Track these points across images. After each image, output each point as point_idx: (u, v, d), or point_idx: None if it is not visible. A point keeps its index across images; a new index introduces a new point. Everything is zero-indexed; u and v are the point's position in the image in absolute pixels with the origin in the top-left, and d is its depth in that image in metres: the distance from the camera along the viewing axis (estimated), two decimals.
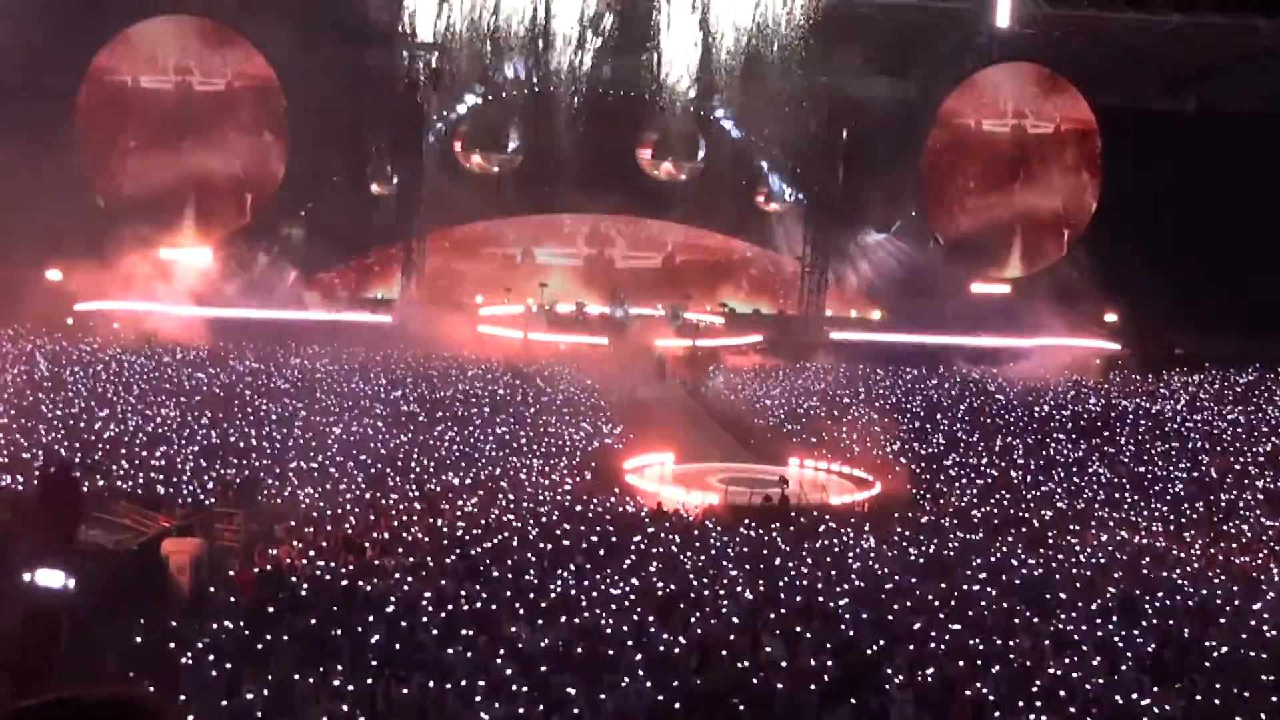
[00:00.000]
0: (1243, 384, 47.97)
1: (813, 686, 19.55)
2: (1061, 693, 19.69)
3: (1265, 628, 23.12)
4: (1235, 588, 25.71)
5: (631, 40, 55.43)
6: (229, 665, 18.99)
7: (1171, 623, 23.30)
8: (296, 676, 18.76)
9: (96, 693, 2.30)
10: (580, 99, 56.84)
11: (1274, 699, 19.69)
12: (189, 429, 35.02)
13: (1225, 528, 30.66)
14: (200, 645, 19.67)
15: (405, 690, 18.51)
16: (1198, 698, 19.61)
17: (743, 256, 60.02)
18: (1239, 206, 52.18)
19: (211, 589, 22.82)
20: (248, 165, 55.12)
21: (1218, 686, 20.04)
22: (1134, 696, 19.60)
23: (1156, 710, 19.13)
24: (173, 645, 19.57)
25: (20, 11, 43.61)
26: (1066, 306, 52.55)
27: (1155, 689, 19.86)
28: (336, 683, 18.56)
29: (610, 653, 20.45)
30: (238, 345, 47.19)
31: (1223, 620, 23.64)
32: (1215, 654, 21.80)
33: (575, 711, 18.30)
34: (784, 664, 20.33)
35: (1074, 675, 20.41)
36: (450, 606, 22.19)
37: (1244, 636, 22.65)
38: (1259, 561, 28.07)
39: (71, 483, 25.76)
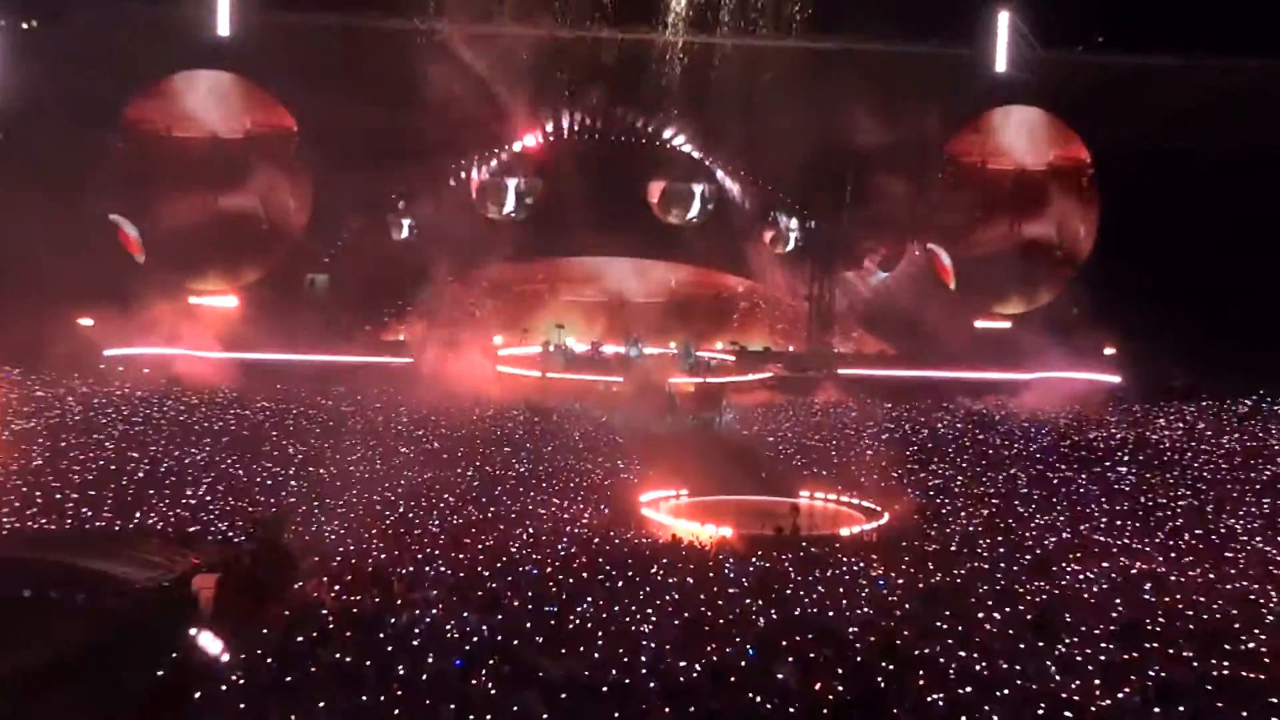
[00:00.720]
0: (1238, 414, 47.93)
1: (824, 711, 19.56)
2: (1067, 714, 19.68)
3: (1264, 650, 23.12)
4: (1234, 611, 25.70)
5: (636, 88, 55.88)
6: (257, 698, 19.00)
7: (1173, 647, 23.27)
8: (323, 705, 18.79)
9: None
10: (590, 147, 57.30)
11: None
12: (217, 469, 35.14)
13: (1224, 553, 30.58)
14: (230, 678, 19.70)
15: None
16: None
17: (751, 295, 59.99)
18: (1236, 242, 52.13)
19: (241, 626, 22.84)
20: (272, 214, 55.47)
21: (1220, 708, 20.02)
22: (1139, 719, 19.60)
23: None
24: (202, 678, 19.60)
25: (54, 65, 43.81)
26: (1066, 341, 52.61)
27: (1158, 710, 19.82)
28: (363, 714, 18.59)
29: (629, 681, 20.46)
30: (263, 387, 47.28)
31: (1225, 644, 23.62)
32: (1217, 676, 21.79)
33: None
34: (796, 689, 20.33)
35: (1079, 698, 20.39)
36: (474, 638, 22.20)
37: (1245, 659, 22.65)
38: (1257, 585, 28.03)
39: (282, 545, 26.43)
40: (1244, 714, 19.62)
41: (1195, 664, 22.46)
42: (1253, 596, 27.05)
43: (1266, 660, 22.55)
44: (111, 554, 25.00)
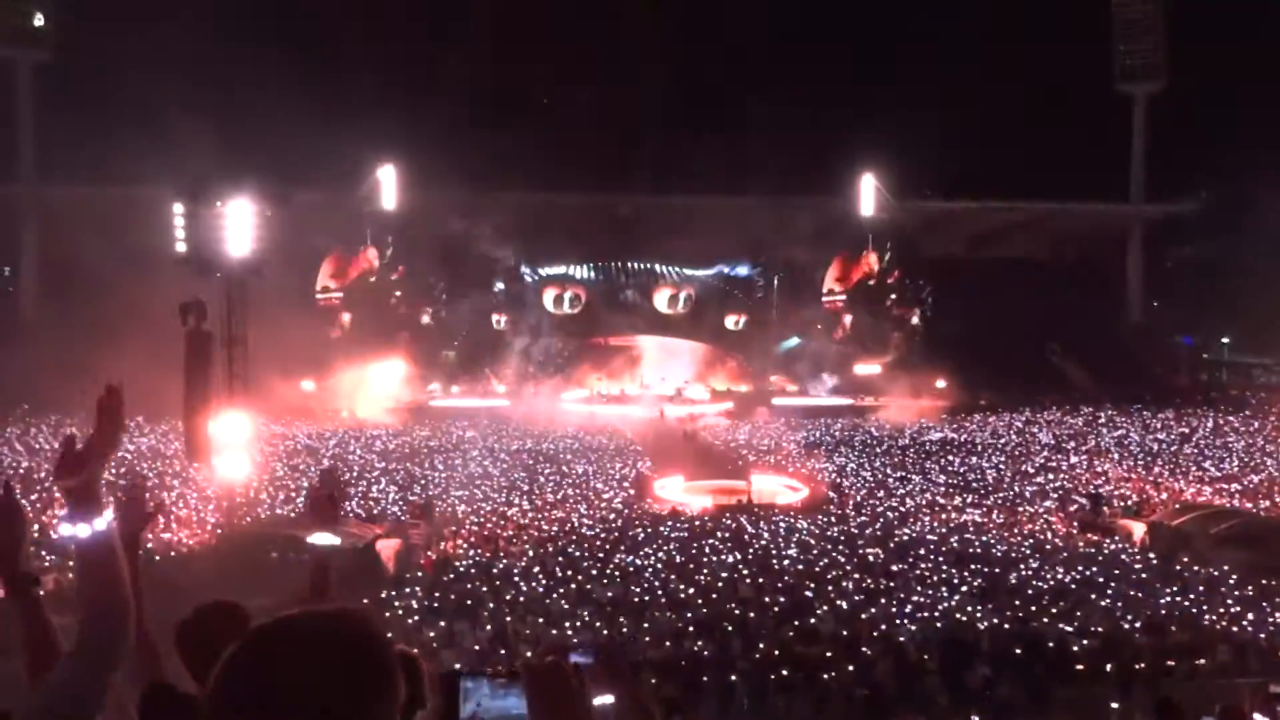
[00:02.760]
0: (1020, 421, 47.69)
1: (771, 613, 19.37)
2: (924, 612, 19.50)
3: (1043, 565, 22.98)
4: (1024, 544, 25.51)
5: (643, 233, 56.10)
6: (415, 617, 18.87)
7: (986, 567, 23.08)
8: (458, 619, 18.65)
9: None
10: (617, 272, 57.62)
11: (1052, 610, 19.51)
12: (390, 473, 35.03)
13: (1016, 508, 30.35)
14: (399, 605, 19.58)
15: (527, 630, 18.36)
16: (1006, 611, 19.42)
17: (720, 355, 59.73)
18: (1018, 315, 52.12)
19: (406, 571, 22.75)
20: (420, 317, 55.90)
21: (1016, 604, 19.87)
22: (968, 609, 19.42)
23: (982, 620, 18.92)
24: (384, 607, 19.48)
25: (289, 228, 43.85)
26: (914, 378, 52.46)
27: (979, 608, 19.65)
28: (484, 624, 18.45)
29: (649, 598, 20.31)
30: (418, 421, 47.23)
31: (1017, 562, 23.45)
32: (1010, 581, 21.65)
33: (628, 633, 18.15)
34: (752, 599, 20.16)
35: (926, 599, 20.22)
36: (552, 574, 22.06)
37: (1030, 571, 22.51)
38: (1037, 527, 27.85)
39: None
40: (1031, 606, 19.50)
41: (1002, 574, 22.32)
42: (1032, 534, 26.91)
43: (1035, 571, 22.46)
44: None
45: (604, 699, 2.49)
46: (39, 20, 54.54)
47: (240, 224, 30.97)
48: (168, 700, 3.04)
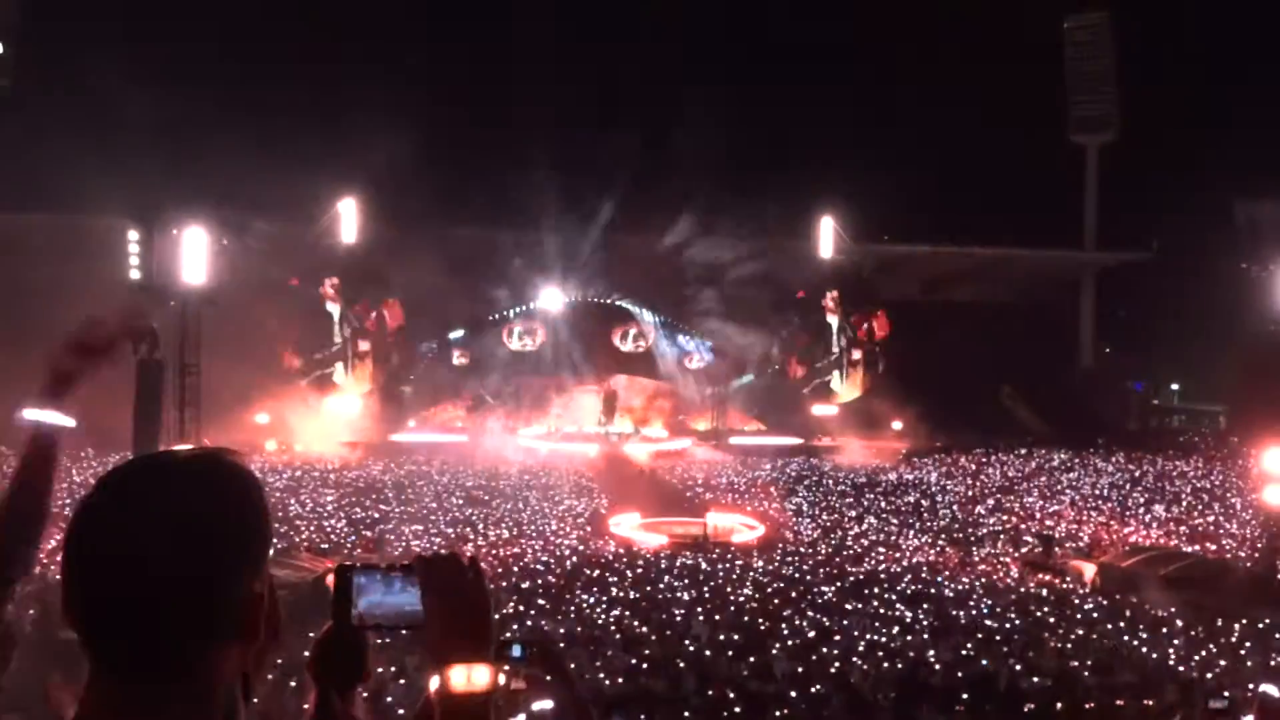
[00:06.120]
0: (973, 463, 48.05)
1: (730, 651, 19.33)
2: (877, 651, 19.51)
3: (996, 605, 23.11)
4: (977, 584, 25.67)
5: (606, 271, 55.85)
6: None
7: (939, 606, 23.18)
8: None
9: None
10: (578, 308, 57.41)
11: (1004, 649, 19.61)
12: (343, 508, 34.64)
13: (970, 547, 30.59)
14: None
15: None
16: (958, 650, 19.49)
17: (676, 394, 59.69)
18: (971, 358, 52.67)
19: None
20: (378, 349, 55.05)
21: (969, 643, 19.95)
22: (920, 649, 19.47)
23: (934, 658, 18.96)
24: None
25: (246, 260, 43.31)
26: (870, 419, 52.77)
27: (930, 642, 19.73)
28: None
29: (599, 635, 20.18)
30: (373, 456, 46.80)
31: (970, 602, 23.56)
32: (963, 620, 21.73)
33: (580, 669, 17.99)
34: (706, 640, 20.10)
35: (880, 638, 20.25)
36: (501, 608, 21.85)
37: (983, 611, 22.62)
38: (990, 567, 28.04)
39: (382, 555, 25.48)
40: (986, 644, 19.57)
41: (955, 613, 22.42)
42: (989, 575, 27.09)
43: (987, 610, 22.57)
44: (274, 562, 24.56)
45: (543, 704, 2.49)
46: None
47: (196, 252, 30.75)
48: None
